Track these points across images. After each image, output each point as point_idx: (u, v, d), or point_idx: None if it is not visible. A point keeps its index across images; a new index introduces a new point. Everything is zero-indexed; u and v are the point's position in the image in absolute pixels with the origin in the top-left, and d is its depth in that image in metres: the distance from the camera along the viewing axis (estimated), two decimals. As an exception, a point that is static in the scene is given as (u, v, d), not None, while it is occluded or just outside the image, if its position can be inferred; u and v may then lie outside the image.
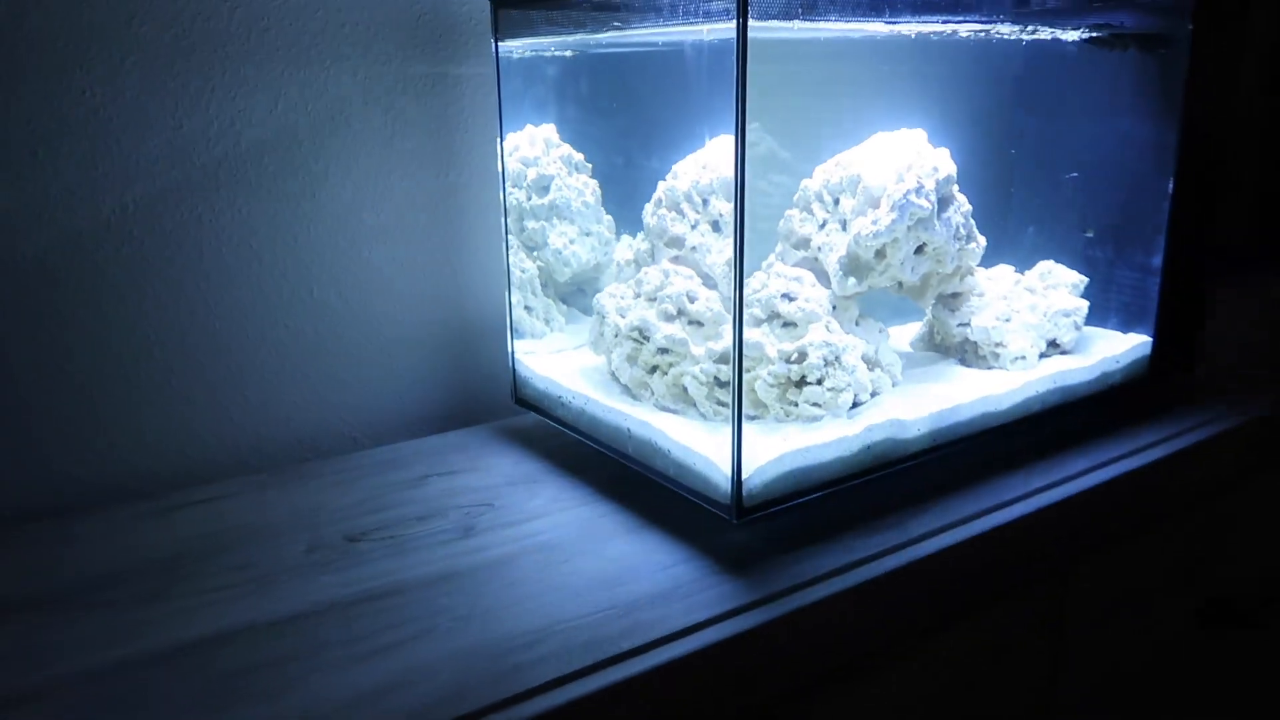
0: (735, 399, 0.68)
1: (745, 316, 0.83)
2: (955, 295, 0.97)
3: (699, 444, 0.75)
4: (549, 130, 0.94)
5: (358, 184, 0.96)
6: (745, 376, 0.81)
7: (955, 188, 0.90)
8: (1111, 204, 1.05)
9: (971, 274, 0.97)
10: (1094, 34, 0.96)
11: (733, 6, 0.61)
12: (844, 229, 0.85)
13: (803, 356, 0.79)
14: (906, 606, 0.74)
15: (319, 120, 0.93)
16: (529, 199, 0.95)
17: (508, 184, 0.95)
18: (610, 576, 0.71)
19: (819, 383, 0.80)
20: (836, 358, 0.80)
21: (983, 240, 0.94)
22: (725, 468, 0.71)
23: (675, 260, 0.83)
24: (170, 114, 0.85)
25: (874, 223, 0.82)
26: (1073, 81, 1.05)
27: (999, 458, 0.88)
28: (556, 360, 0.98)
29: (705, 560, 0.73)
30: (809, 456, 0.75)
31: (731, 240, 0.64)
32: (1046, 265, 1.03)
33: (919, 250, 0.88)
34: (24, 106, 0.79)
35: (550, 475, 0.91)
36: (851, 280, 0.85)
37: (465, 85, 1.00)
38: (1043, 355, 0.97)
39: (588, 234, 0.92)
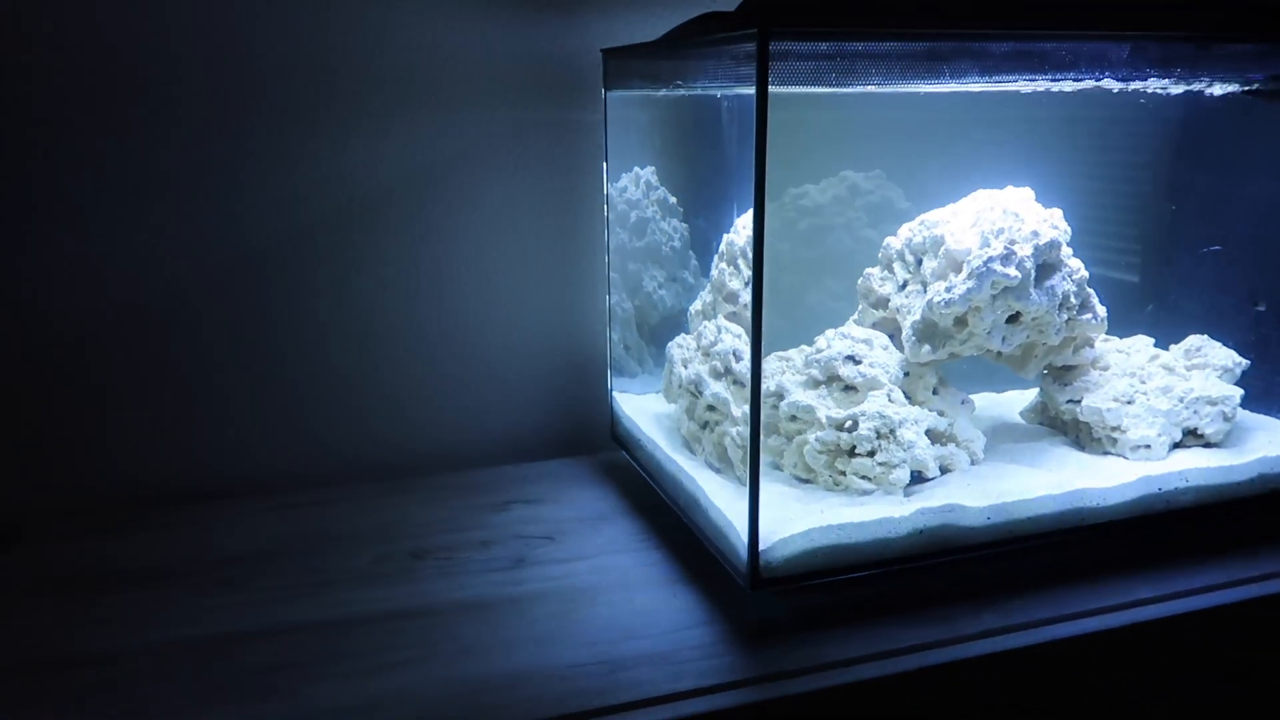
0: (752, 462, 0.66)
1: (804, 377, 0.80)
2: (1068, 368, 0.87)
3: (731, 506, 0.74)
4: (650, 174, 0.96)
5: (483, 222, 1.02)
6: (795, 440, 0.78)
7: (1065, 253, 0.81)
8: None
9: (1090, 345, 0.87)
10: (1251, 86, 0.82)
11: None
12: (924, 291, 0.80)
13: (854, 425, 0.75)
14: (932, 711, 0.68)
15: (448, 162, 1.01)
16: (630, 241, 0.97)
17: (614, 225, 0.98)
18: (623, 629, 0.71)
19: (870, 455, 0.75)
20: (891, 430, 0.75)
21: (1102, 311, 0.84)
22: (746, 534, 0.70)
23: (731, 316, 0.82)
24: (314, 154, 0.96)
25: (948, 289, 0.76)
26: (1239, 137, 0.90)
27: (1097, 561, 0.78)
28: (645, 401, 0.99)
29: (722, 626, 0.71)
30: (845, 534, 0.71)
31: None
32: (1197, 340, 0.89)
33: (1012, 319, 0.80)
34: (200, 147, 0.92)
35: (621, 515, 0.92)
36: (926, 347, 0.79)
37: (584, 130, 1.04)
38: (1179, 446, 0.85)
39: (674, 279, 0.93)
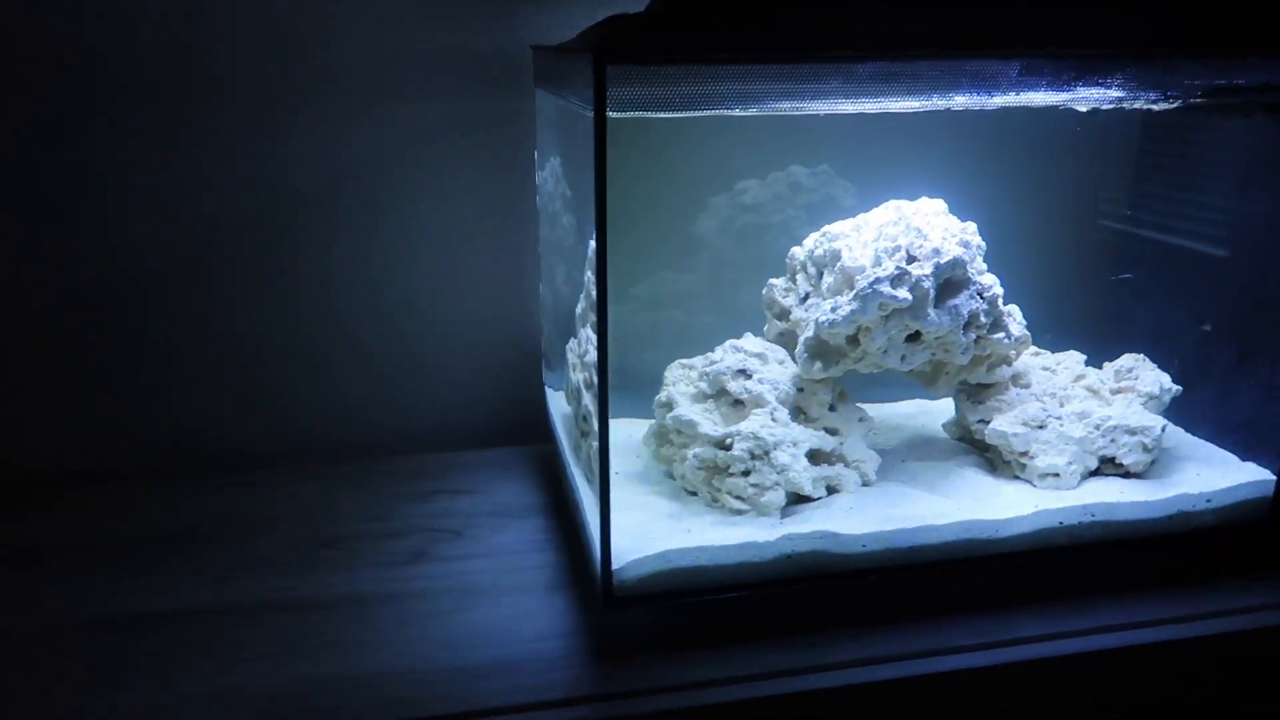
0: (602, 482, 0.66)
1: (693, 389, 0.79)
2: (983, 386, 0.83)
3: (597, 519, 0.74)
4: (557, 165, 0.94)
5: (427, 212, 1.03)
6: (680, 453, 0.77)
7: (976, 269, 0.77)
8: (1242, 295, 0.83)
9: (1008, 363, 0.83)
10: (1198, 99, 0.75)
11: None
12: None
13: (731, 444, 0.74)
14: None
15: (394, 152, 1.01)
16: (547, 234, 0.97)
17: (540, 217, 0.97)
18: (484, 635, 0.72)
19: (745, 475, 0.74)
20: (766, 452, 0.73)
21: (1018, 329, 0.80)
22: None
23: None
24: (256, 147, 0.97)
25: (834, 309, 0.73)
26: (1193, 153, 0.84)
27: (983, 594, 0.75)
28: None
29: (581, 641, 0.71)
30: (706, 556, 0.70)
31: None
32: (1130, 360, 0.85)
33: (914, 338, 0.77)
34: (148, 139, 0.95)
35: (534, 512, 0.93)
36: (818, 365, 0.77)
37: (525, 121, 1.03)
38: (1097, 473, 0.81)
39: (571, 277, 0.92)
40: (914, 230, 0.76)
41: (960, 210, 0.81)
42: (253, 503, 0.95)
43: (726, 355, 0.78)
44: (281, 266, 1.01)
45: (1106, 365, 0.87)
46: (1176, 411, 0.86)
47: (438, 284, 1.05)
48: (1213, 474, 0.81)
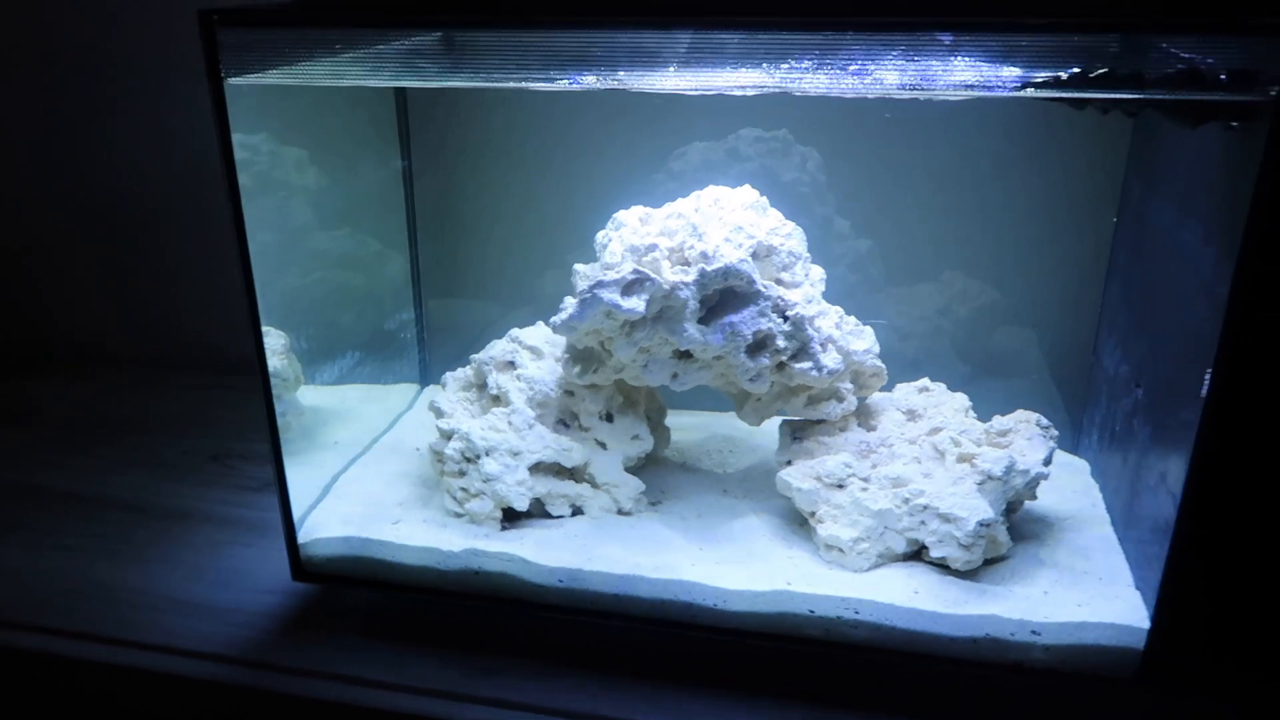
0: (274, 453, 0.65)
1: (462, 377, 0.74)
2: (810, 423, 0.68)
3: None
4: None
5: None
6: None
7: (767, 284, 0.63)
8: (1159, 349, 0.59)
9: (838, 399, 0.67)
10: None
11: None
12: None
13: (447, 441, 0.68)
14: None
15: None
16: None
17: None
18: (232, 574, 0.75)
19: (460, 475, 0.68)
20: (475, 457, 0.67)
21: (832, 362, 0.64)
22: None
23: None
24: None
25: (561, 308, 0.63)
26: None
27: (694, 667, 0.63)
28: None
29: (291, 600, 0.72)
30: (389, 551, 0.67)
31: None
32: (1016, 419, 0.65)
33: (687, 356, 0.65)
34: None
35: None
36: (577, 369, 0.67)
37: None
38: (918, 558, 0.63)
39: None
40: (690, 226, 0.63)
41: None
42: (206, 405, 1.04)
43: (500, 344, 0.72)
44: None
45: (996, 419, 0.67)
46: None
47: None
48: (1064, 596, 0.60)
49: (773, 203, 0.86)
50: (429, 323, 0.88)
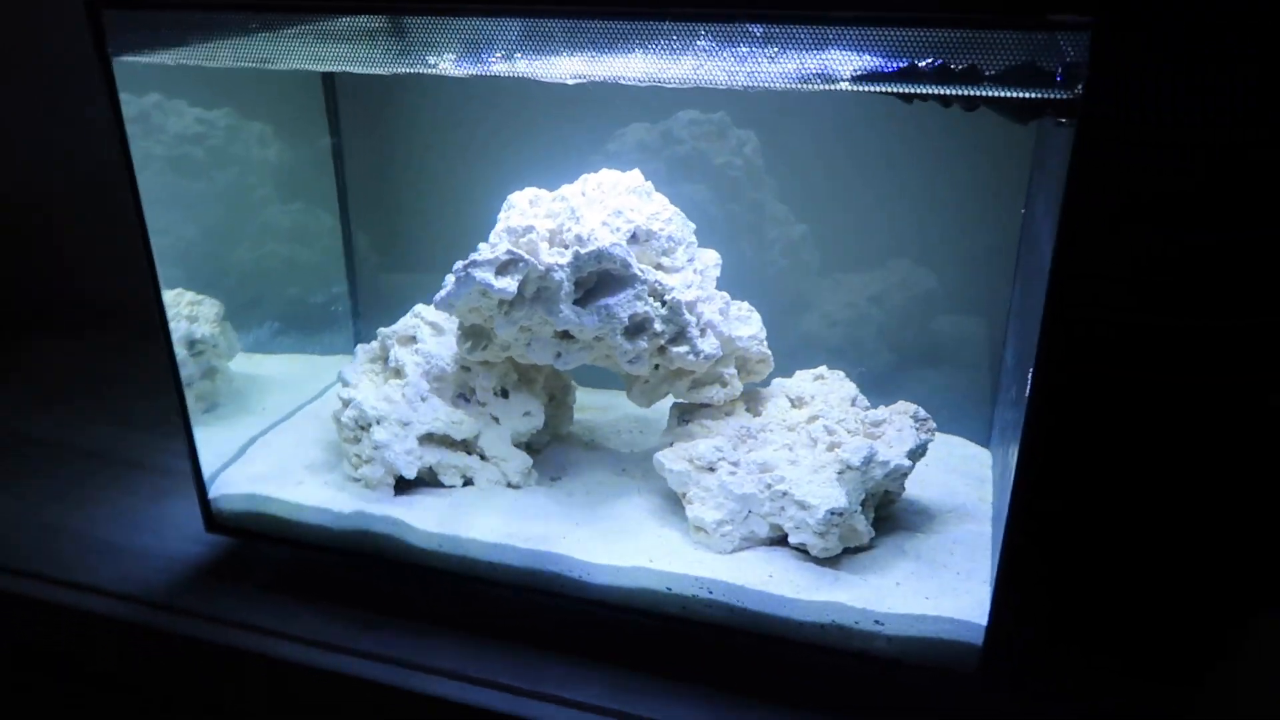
0: (181, 409, 0.69)
1: (370, 349, 0.77)
2: (696, 406, 0.69)
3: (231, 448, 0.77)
4: None
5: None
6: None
7: (647, 265, 0.64)
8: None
9: (721, 384, 0.68)
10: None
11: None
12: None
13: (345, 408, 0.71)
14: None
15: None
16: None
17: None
18: (163, 521, 0.80)
19: (356, 441, 0.71)
20: (368, 425, 0.70)
21: (709, 347, 0.65)
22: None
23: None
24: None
25: (443, 285, 0.66)
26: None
27: (554, 633, 0.65)
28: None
29: (206, 550, 0.76)
30: (286, 509, 0.71)
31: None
32: (896, 410, 0.65)
33: (567, 337, 0.66)
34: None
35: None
36: (468, 344, 0.70)
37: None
38: (783, 544, 0.64)
39: None
40: (569, 208, 0.64)
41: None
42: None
43: (404, 320, 0.74)
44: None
45: (883, 409, 0.67)
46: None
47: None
48: (916, 588, 0.60)
49: (702, 185, 0.87)
50: (362, 297, 0.92)
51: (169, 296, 0.82)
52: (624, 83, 0.57)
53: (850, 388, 0.70)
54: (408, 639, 0.66)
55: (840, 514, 0.60)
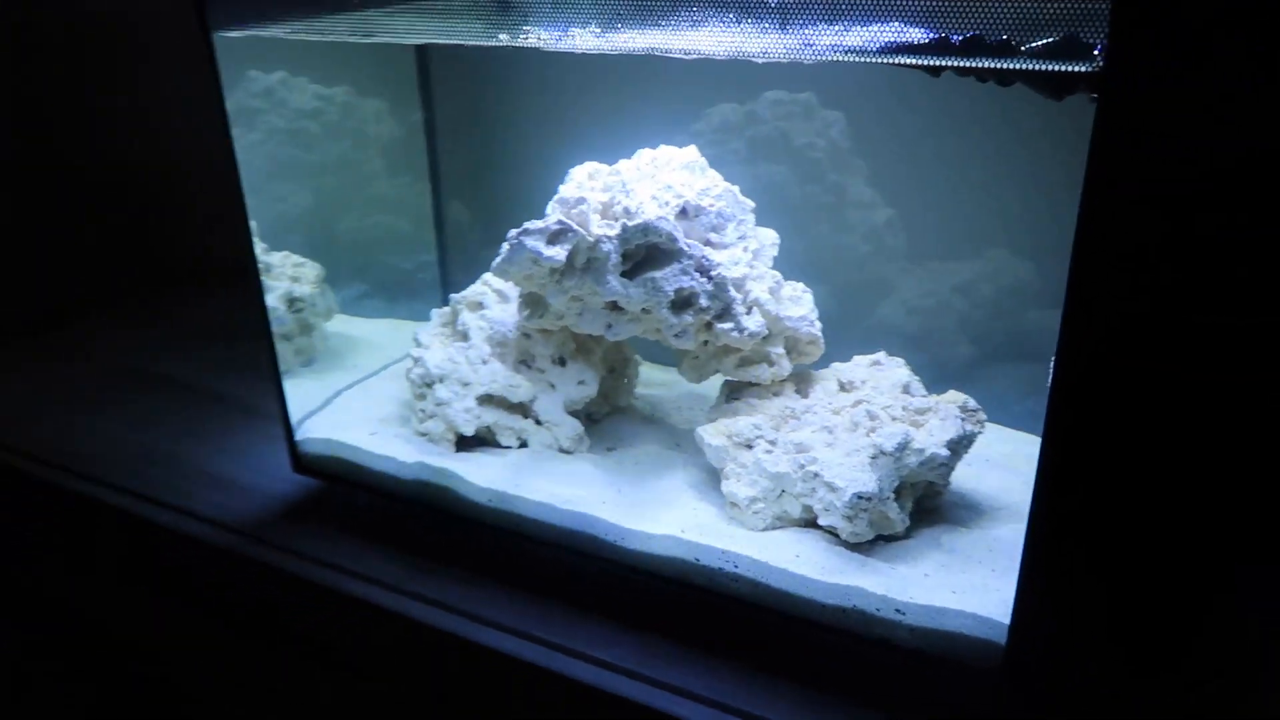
0: (270, 363, 0.76)
1: (444, 313, 0.81)
2: (745, 384, 0.70)
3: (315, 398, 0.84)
4: None
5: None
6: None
7: (690, 243, 0.65)
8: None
9: (769, 363, 0.68)
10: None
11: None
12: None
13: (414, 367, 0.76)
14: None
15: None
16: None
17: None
18: (256, 461, 0.88)
19: (421, 399, 0.76)
20: (430, 384, 0.74)
21: (754, 325, 0.65)
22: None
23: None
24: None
25: (499, 252, 0.69)
26: None
27: (593, 595, 0.68)
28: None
29: (294, 489, 0.83)
30: (358, 456, 0.76)
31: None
32: (947, 399, 0.63)
33: (617, 308, 0.68)
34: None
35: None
36: (527, 312, 0.73)
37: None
38: (814, 526, 0.64)
39: None
40: (620, 182, 0.66)
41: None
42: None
43: (474, 286, 0.78)
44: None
45: (933, 397, 0.65)
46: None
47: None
48: (944, 581, 0.58)
49: (782, 166, 0.86)
50: (451, 266, 0.97)
51: (277, 258, 0.90)
52: (668, 55, 0.58)
53: (904, 374, 0.68)
54: (454, 586, 0.70)
55: (868, 499, 0.59)
